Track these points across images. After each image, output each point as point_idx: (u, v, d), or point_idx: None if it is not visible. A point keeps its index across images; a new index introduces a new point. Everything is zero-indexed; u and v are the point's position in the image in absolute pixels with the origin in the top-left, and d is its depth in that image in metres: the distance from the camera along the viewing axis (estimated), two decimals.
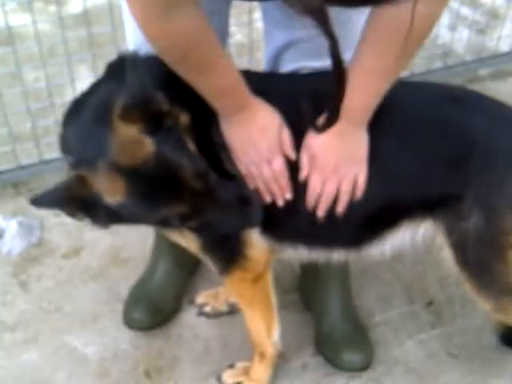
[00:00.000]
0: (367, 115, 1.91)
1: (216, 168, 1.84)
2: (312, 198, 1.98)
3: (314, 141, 1.92)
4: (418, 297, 2.76)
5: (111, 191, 1.75)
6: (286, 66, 2.24)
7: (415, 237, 2.09)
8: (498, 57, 4.02)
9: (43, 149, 3.23)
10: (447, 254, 2.03)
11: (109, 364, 2.54)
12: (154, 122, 1.72)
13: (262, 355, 2.38)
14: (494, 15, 4.26)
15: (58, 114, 1.82)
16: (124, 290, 2.72)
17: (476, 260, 2.00)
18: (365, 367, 2.50)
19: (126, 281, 2.77)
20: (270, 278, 2.26)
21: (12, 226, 2.99)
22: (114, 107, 1.73)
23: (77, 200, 1.78)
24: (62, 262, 2.92)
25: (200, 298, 2.70)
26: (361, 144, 1.94)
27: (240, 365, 2.48)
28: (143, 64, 1.91)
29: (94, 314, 2.71)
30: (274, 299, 2.31)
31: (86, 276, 2.84)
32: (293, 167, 1.98)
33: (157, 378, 2.50)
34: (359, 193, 1.97)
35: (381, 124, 1.93)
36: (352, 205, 2.00)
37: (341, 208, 1.99)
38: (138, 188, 1.73)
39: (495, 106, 2.04)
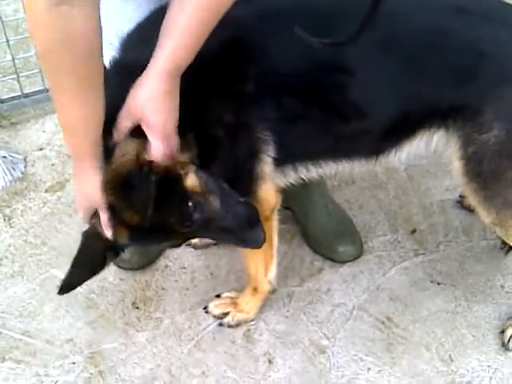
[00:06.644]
0: (187, 62, 1.72)
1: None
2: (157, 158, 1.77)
3: (143, 103, 1.72)
4: (402, 225, 2.78)
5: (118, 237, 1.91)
6: None
7: (429, 146, 2.11)
8: None
9: (24, 82, 3.19)
10: (456, 165, 2.06)
11: (96, 296, 2.56)
12: None
13: (256, 289, 2.41)
14: None
15: None
16: None
17: (489, 171, 2.01)
18: (358, 256, 2.66)
19: None
20: (275, 221, 2.28)
21: None
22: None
23: (101, 251, 1.97)
24: (47, 195, 2.92)
25: None
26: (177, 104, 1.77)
27: (226, 295, 2.50)
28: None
29: None
30: (276, 241, 2.33)
31: (71, 209, 2.83)
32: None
33: (144, 309, 2.52)
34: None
35: (382, 36, 1.87)
36: (371, 120, 2.01)
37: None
38: (137, 236, 1.90)
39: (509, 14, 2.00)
